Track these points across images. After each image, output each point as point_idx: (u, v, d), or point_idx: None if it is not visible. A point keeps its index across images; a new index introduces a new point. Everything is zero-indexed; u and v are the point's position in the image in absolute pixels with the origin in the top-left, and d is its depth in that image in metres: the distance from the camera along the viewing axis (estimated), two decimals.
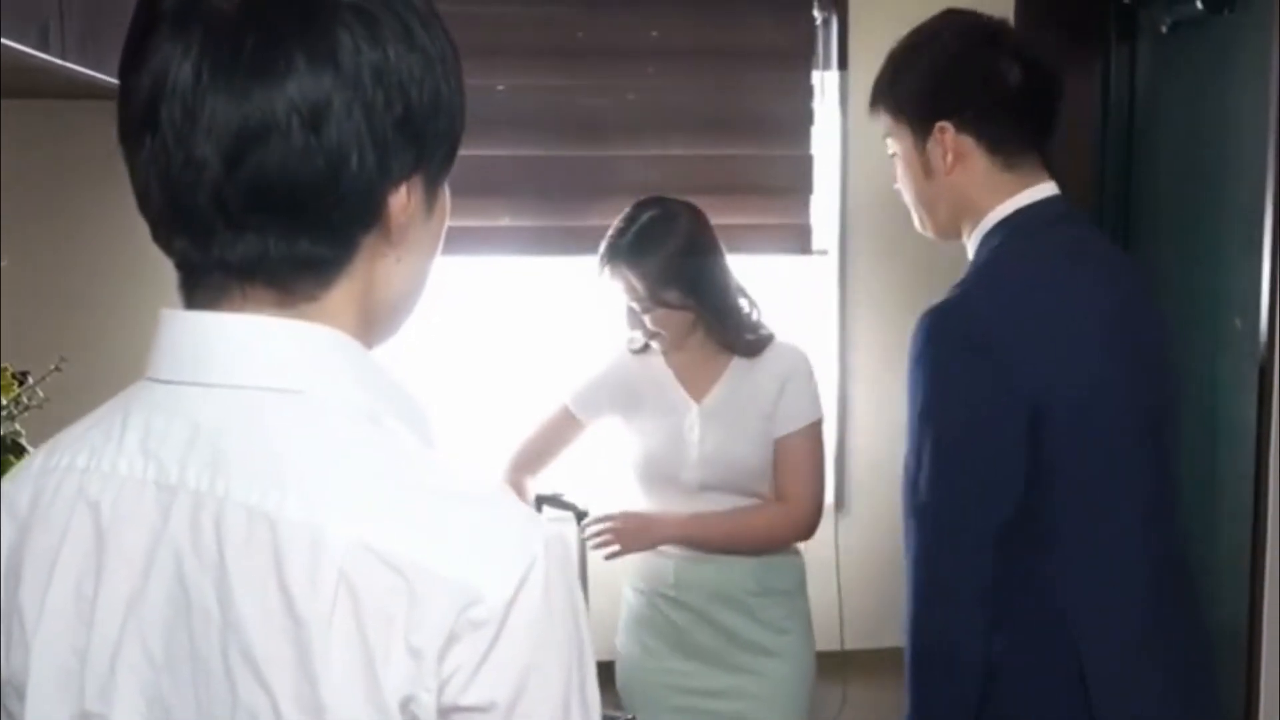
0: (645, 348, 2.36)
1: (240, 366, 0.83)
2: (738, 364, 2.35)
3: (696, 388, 2.36)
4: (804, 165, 2.89)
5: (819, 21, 2.88)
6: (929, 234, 1.84)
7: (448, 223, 0.95)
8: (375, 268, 0.87)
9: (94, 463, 0.86)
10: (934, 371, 1.63)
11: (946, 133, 1.71)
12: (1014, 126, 1.71)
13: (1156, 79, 2.74)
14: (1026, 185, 1.72)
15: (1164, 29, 2.61)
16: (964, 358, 1.62)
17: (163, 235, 0.85)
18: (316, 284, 0.85)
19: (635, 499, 2.38)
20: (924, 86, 1.73)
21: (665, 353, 2.36)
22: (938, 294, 1.68)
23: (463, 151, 0.93)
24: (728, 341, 2.33)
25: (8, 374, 2.04)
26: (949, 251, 2.95)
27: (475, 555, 0.79)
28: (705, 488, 2.33)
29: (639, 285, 2.25)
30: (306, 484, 0.80)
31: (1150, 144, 2.76)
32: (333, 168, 0.81)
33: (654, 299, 2.25)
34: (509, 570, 0.79)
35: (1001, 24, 1.76)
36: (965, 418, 1.62)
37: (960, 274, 1.74)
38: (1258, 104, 2.23)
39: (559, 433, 2.45)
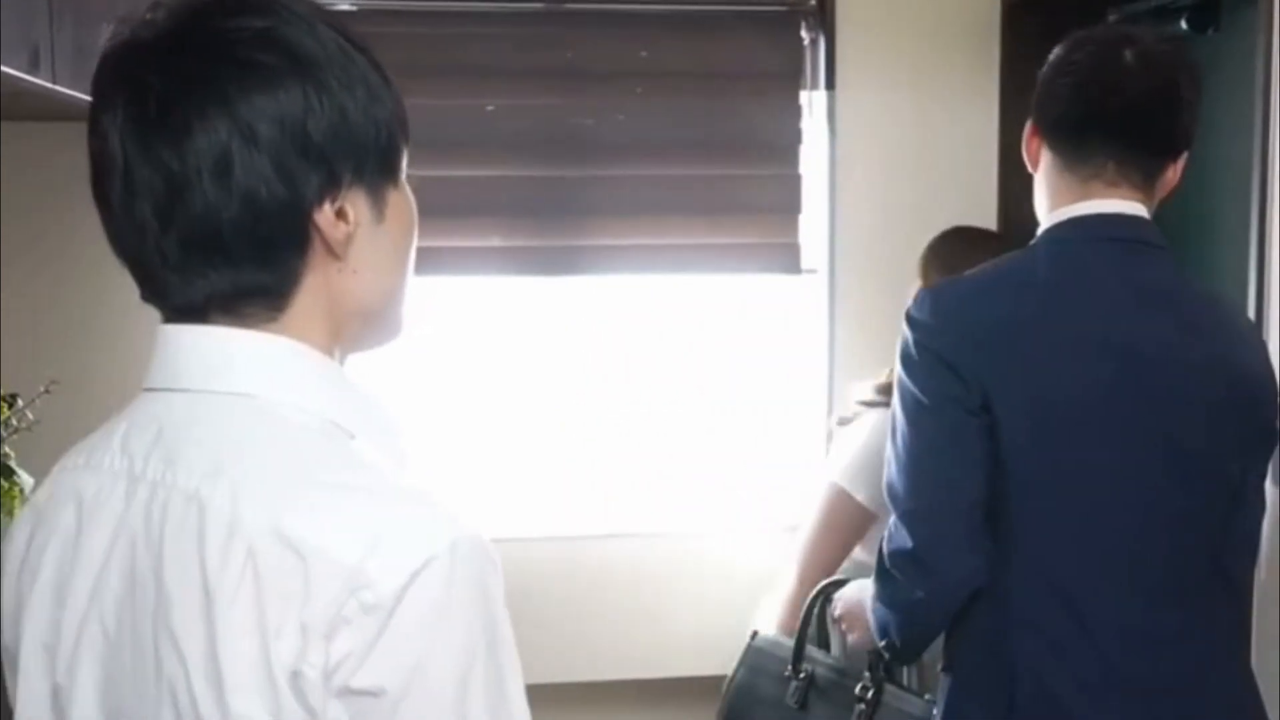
0: None
1: (200, 373, 0.93)
2: None
3: None
4: (793, 184, 2.90)
5: (806, 42, 2.89)
6: None
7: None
8: (331, 283, 0.94)
9: (87, 460, 0.96)
10: (904, 348, 1.63)
11: (1033, 135, 1.70)
12: (1081, 145, 1.65)
13: None
14: (1089, 198, 1.65)
15: None
16: (926, 337, 1.61)
17: (137, 287, 0.95)
18: (268, 308, 0.93)
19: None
20: (1038, 84, 1.71)
21: None
22: None
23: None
24: None
25: None
26: None
27: (372, 544, 0.84)
28: None
29: None
30: (237, 474, 0.87)
31: None
32: (246, 206, 0.89)
33: None
34: (403, 561, 0.83)
35: (1140, 51, 1.64)
36: (918, 402, 1.60)
37: None
38: (1241, 123, 2.25)
39: (854, 528, 2.12)
